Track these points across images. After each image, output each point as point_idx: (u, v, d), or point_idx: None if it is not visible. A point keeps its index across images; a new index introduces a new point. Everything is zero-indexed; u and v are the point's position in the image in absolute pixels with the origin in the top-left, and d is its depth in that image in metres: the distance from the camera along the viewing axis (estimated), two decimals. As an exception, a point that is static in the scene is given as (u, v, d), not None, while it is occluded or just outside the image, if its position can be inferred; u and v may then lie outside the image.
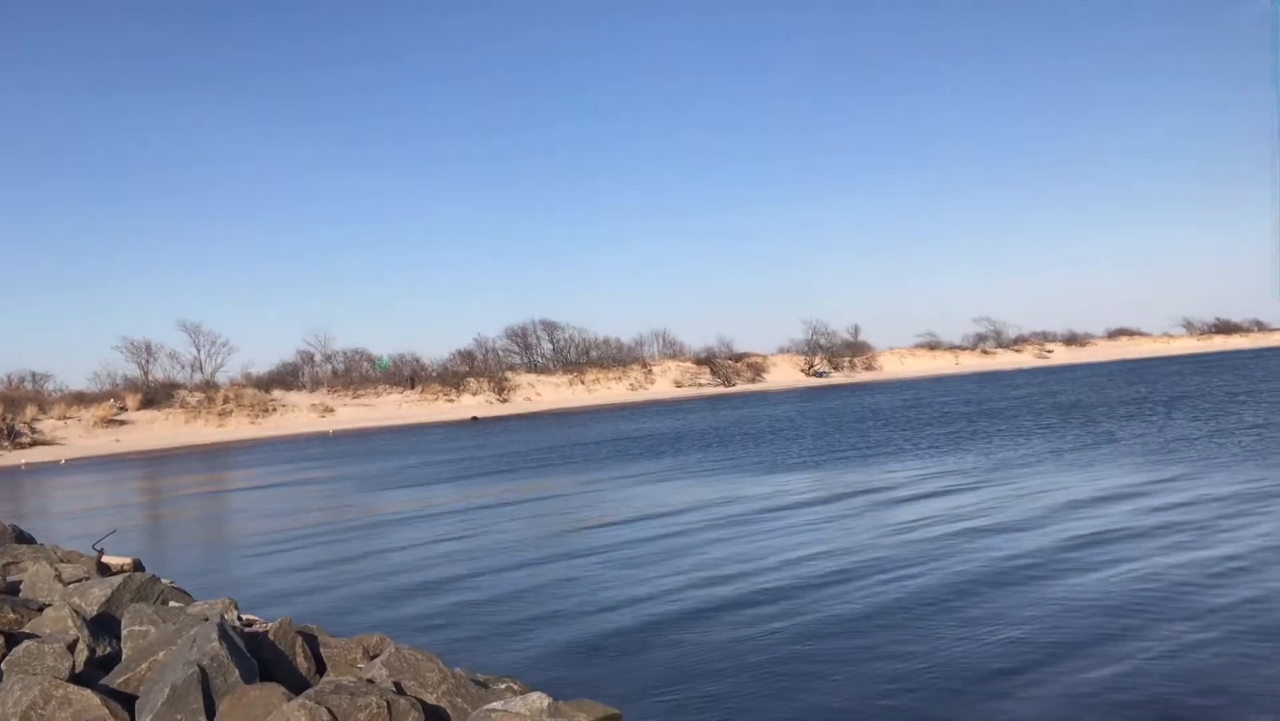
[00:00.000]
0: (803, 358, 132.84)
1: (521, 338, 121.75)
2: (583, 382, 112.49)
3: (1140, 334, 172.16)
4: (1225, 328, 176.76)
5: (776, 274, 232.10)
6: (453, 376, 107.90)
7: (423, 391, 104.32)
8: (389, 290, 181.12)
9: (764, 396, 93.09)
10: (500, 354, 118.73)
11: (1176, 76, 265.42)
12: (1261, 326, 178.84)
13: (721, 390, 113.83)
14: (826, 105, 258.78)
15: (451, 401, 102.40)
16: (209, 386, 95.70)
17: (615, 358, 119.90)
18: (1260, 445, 22.55)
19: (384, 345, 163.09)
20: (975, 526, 14.94)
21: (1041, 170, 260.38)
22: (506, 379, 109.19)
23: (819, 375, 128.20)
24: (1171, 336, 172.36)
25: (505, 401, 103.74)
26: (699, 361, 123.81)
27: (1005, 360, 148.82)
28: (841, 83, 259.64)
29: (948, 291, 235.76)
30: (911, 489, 19.90)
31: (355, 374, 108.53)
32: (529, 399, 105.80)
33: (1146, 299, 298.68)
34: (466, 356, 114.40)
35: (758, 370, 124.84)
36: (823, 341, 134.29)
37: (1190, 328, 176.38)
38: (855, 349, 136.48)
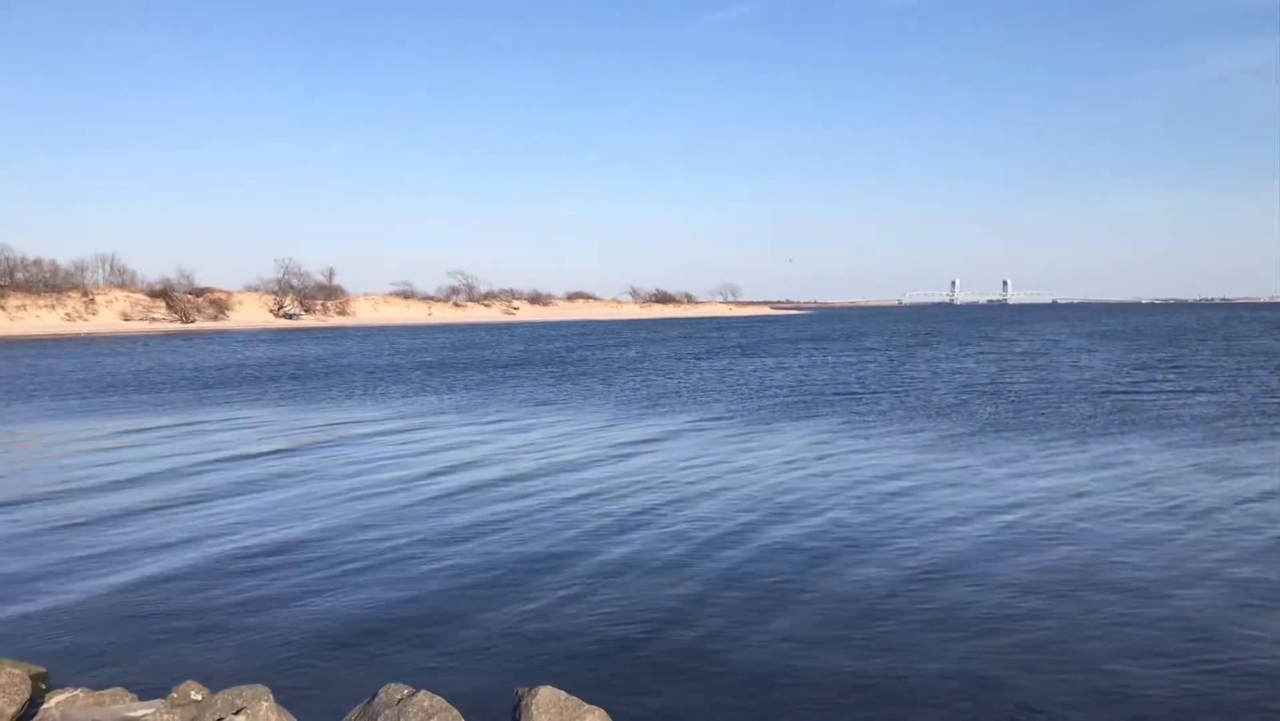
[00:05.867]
0: (273, 297, 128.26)
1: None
2: (3, 310, 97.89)
3: (595, 298, 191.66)
4: (663, 298, 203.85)
5: (247, 208, 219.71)
6: None
7: None
8: None
9: (228, 336, 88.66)
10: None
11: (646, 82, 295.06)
12: (690, 299, 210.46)
13: (179, 326, 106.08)
14: (323, 53, 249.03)
15: None
16: None
17: (48, 283, 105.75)
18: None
19: None
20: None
21: (524, 140, 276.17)
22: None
23: (289, 317, 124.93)
24: (620, 302, 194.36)
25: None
26: (154, 294, 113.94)
27: (476, 314, 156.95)
28: (343, 30, 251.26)
29: (424, 243, 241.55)
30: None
31: None
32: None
33: (602, 268, 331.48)
34: None
35: (221, 307, 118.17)
36: (295, 282, 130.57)
37: (636, 296, 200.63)
38: (329, 292, 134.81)
